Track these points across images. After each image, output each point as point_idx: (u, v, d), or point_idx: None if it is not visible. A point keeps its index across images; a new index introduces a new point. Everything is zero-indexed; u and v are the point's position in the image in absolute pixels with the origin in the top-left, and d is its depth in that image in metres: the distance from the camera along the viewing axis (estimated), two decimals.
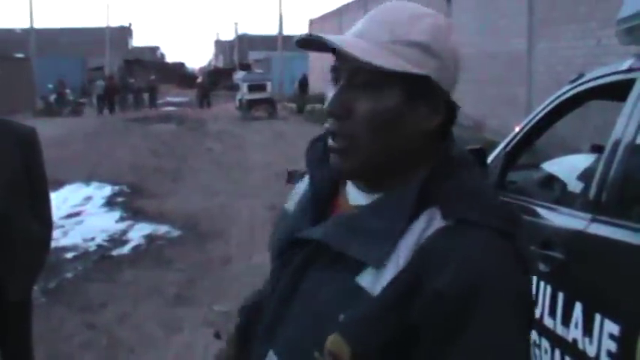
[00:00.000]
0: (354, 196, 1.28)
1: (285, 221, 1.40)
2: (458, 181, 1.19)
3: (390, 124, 1.20)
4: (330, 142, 1.24)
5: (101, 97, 35.03)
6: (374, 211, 1.22)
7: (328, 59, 1.32)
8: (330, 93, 1.24)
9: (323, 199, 1.33)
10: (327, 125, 1.25)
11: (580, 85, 3.03)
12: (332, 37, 1.19)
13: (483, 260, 1.11)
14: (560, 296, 2.54)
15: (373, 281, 1.16)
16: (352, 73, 1.21)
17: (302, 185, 1.44)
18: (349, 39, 1.21)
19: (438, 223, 1.15)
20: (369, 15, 1.25)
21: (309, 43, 1.25)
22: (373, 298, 1.15)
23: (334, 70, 1.25)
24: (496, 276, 1.11)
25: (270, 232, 1.46)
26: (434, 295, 1.09)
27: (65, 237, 8.40)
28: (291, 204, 1.43)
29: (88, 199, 11.19)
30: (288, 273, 1.30)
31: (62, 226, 8.74)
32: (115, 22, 79.05)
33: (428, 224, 1.16)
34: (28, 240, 3.24)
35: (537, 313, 2.68)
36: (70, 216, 9.72)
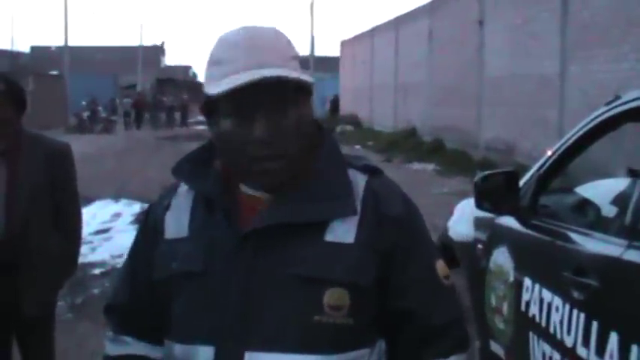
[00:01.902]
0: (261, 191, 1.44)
1: (181, 246, 1.45)
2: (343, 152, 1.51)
3: (306, 129, 1.43)
4: (270, 165, 1.38)
5: (128, 114, 36.58)
6: (311, 186, 1.42)
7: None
8: (233, 124, 1.38)
9: (227, 205, 1.44)
10: (256, 151, 1.37)
11: (616, 107, 2.95)
12: (268, 72, 1.34)
13: (402, 193, 1.51)
14: (595, 325, 2.46)
15: (343, 232, 1.40)
16: (275, 98, 1.37)
17: (175, 212, 1.50)
18: (275, 69, 1.35)
19: (362, 177, 1.47)
20: (252, 46, 1.38)
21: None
22: (352, 245, 1.40)
23: (245, 103, 1.36)
24: (410, 200, 1.52)
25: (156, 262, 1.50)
26: (394, 220, 1.44)
27: (93, 253, 8.43)
28: (171, 231, 1.49)
29: (117, 215, 11.25)
30: (239, 273, 1.39)
31: (90, 242, 8.78)
32: (148, 41, 79.97)
33: (355, 179, 1.46)
34: (48, 256, 3.22)
35: (570, 342, 2.61)
36: (98, 232, 9.77)
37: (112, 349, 1.61)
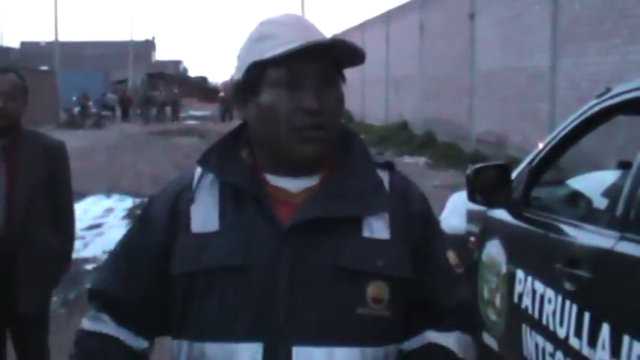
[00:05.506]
0: (291, 185, 1.45)
1: (213, 240, 1.41)
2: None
3: (342, 111, 1.47)
4: (314, 133, 1.39)
5: (112, 109, 38.46)
6: (343, 180, 1.44)
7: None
8: (281, 93, 1.39)
9: (259, 197, 1.42)
10: (302, 120, 1.39)
11: (607, 99, 2.97)
12: (348, 41, 1.39)
13: (418, 186, 1.58)
14: (587, 316, 2.47)
15: (378, 228, 1.44)
16: (324, 72, 1.41)
17: (201, 206, 1.46)
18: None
19: (384, 173, 1.51)
20: (302, 24, 1.45)
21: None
22: (389, 241, 1.44)
23: (297, 71, 1.39)
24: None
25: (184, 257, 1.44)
26: (420, 215, 1.51)
27: (86, 248, 8.41)
28: (199, 225, 1.44)
29: (109, 211, 11.22)
30: (283, 267, 1.37)
31: (83, 238, 8.75)
32: (138, 36, 79.74)
33: (380, 176, 1.50)
34: (44, 254, 3.21)
35: (563, 333, 2.62)
36: (91, 227, 9.74)
37: (88, 325, 1.56)
